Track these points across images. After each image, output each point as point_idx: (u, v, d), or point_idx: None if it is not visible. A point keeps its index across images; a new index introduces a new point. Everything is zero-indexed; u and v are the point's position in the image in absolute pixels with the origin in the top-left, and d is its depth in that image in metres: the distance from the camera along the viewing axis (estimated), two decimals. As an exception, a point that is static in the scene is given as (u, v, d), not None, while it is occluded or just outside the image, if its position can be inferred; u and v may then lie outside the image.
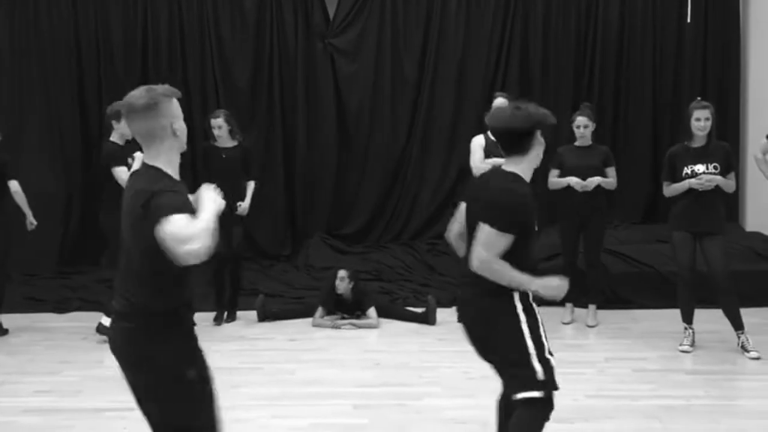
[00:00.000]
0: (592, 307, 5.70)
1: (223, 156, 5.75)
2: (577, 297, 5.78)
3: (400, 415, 3.85)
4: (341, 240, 7.64)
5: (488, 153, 5.67)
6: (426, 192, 7.73)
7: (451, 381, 4.38)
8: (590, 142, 5.63)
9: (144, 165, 2.40)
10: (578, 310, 5.78)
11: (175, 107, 2.40)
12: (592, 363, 4.69)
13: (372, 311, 5.69)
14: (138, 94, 2.36)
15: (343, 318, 5.70)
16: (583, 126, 5.56)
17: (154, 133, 2.35)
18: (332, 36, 7.62)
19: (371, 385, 4.31)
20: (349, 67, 7.65)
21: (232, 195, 5.67)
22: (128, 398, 4.13)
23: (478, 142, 5.77)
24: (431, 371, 4.58)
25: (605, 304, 5.95)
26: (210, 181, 5.73)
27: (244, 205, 5.79)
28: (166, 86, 2.43)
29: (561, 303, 5.79)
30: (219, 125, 5.71)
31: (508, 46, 7.54)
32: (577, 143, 5.66)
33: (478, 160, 5.69)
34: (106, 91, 7.50)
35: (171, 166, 2.39)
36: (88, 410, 3.93)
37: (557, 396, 4.02)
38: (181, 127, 2.41)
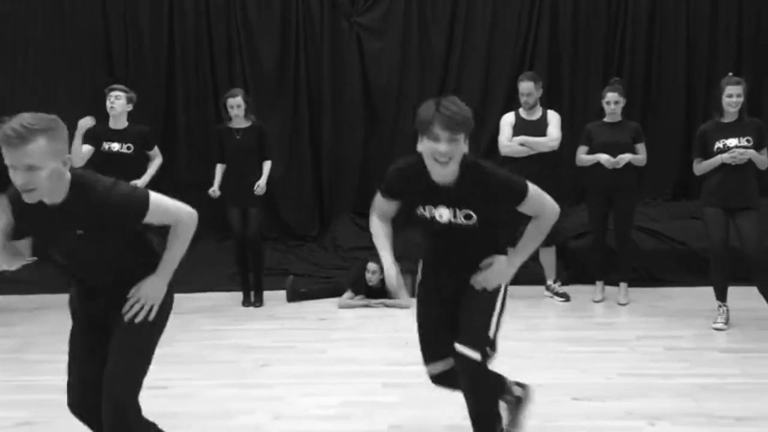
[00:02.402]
0: (623, 285, 5.64)
1: (237, 137, 5.75)
2: (608, 275, 5.73)
3: (429, 393, 3.82)
4: (369, 219, 7.64)
5: (518, 131, 5.62)
6: (454, 170, 7.68)
7: (480, 359, 4.38)
8: (620, 118, 5.55)
9: None
10: (609, 288, 5.73)
11: None
12: (624, 341, 4.65)
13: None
14: None
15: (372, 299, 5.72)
16: (613, 102, 5.48)
17: None
18: (358, 14, 7.58)
19: (400, 363, 4.31)
20: (376, 45, 7.60)
21: (247, 175, 5.69)
22: (162, 375, 4.23)
23: (507, 120, 5.72)
24: (461, 350, 4.57)
25: (636, 281, 5.89)
26: (224, 162, 5.81)
27: (261, 184, 5.73)
28: (6, 127, 2.24)
29: (591, 281, 5.79)
30: (238, 104, 5.69)
31: (537, 20, 7.41)
32: (606, 119, 5.57)
33: (506, 139, 5.65)
34: (133, 73, 7.58)
35: None
36: (123, 388, 3.99)
37: (589, 374, 4.04)
38: None
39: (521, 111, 5.71)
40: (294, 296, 5.93)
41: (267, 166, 5.81)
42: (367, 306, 5.66)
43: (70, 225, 2.36)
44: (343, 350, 4.64)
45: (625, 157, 5.37)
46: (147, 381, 3.99)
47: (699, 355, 4.36)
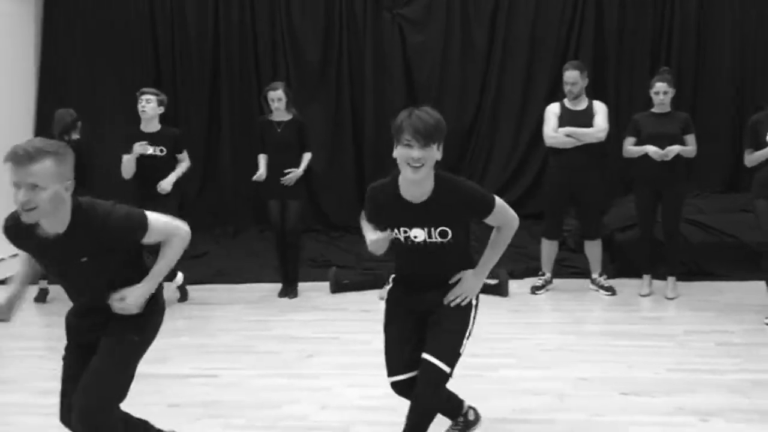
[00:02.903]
0: (671, 278, 5.54)
1: (278, 130, 5.76)
2: (656, 268, 5.64)
3: (476, 385, 3.84)
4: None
5: (564, 121, 5.54)
6: (496, 162, 7.63)
7: (525, 353, 4.36)
8: (669, 109, 5.44)
9: None
10: (656, 282, 5.63)
11: None
12: (672, 336, 4.56)
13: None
14: None
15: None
16: (662, 92, 5.36)
17: None
18: (400, 7, 7.56)
19: (445, 355, 4.31)
20: (418, 37, 7.57)
21: (287, 168, 5.72)
22: (211, 365, 4.30)
23: (552, 111, 5.65)
24: (505, 343, 4.55)
25: (685, 275, 5.77)
26: (265, 153, 5.83)
27: (296, 171, 5.68)
28: (15, 146, 2.37)
29: (638, 274, 5.70)
30: (279, 97, 5.68)
31: (582, 10, 7.29)
32: (654, 110, 5.47)
33: (551, 129, 5.58)
34: (180, 70, 7.71)
35: None
36: (174, 376, 4.09)
37: (637, 368, 3.98)
38: None
39: (566, 101, 5.63)
40: (337, 288, 5.96)
41: (306, 157, 5.81)
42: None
43: (75, 254, 2.45)
44: (387, 342, 4.63)
45: (674, 149, 5.26)
46: (197, 369, 4.14)
47: (751, 350, 4.26)
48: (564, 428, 3.30)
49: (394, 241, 2.76)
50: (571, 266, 6.31)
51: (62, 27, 7.82)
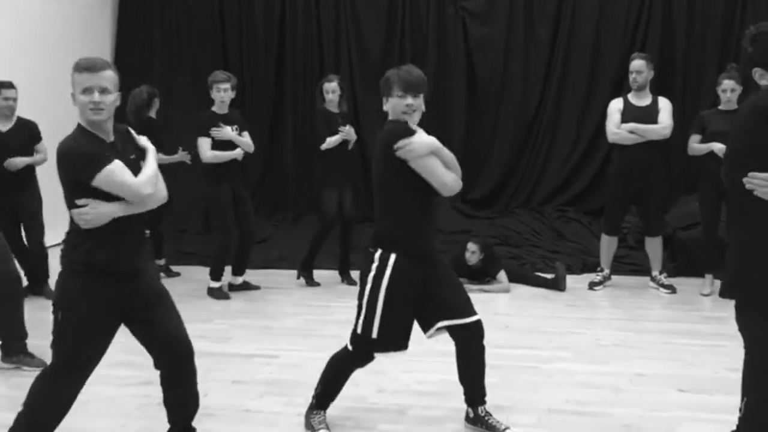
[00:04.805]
0: (733, 278, 5.44)
1: (339, 121, 5.85)
2: (718, 268, 5.54)
3: (531, 377, 3.89)
4: (469, 205, 7.68)
5: (627, 117, 5.49)
6: (557, 158, 7.59)
7: (581, 347, 4.37)
8: (736, 106, 5.33)
9: None
10: (718, 282, 5.51)
11: (75, 80, 2.60)
12: (734, 336, 4.41)
13: (502, 275, 5.72)
14: None
15: (472, 284, 5.77)
16: (730, 90, 5.27)
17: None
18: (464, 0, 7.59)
19: (501, 347, 4.35)
20: (481, 31, 7.59)
21: (344, 157, 5.82)
22: (273, 346, 4.45)
23: (615, 106, 5.60)
24: (561, 336, 4.58)
25: (748, 276, 5.65)
26: (319, 143, 5.86)
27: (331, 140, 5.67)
28: (84, 59, 2.64)
29: (699, 274, 5.62)
30: (334, 89, 5.74)
31: (650, 3, 7.18)
32: (721, 107, 5.38)
33: (614, 125, 5.54)
34: (246, 63, 7.93)
35: (90, 126, 2.64)
36: (238, 355, 4.26)
37: (696, 366, 3.96)
38: (78, 99, 2.60)
39: (630, 96, 5.58)
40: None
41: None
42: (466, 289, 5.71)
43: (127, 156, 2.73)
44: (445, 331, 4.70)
45: (741, 147, 5.16)
46: (259, 350, 4.30)
47: (816, 354, 4.16)
48: (619, 422, 3.32)
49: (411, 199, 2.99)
50: (630, 263, 6.26)
51: (135, 21, 8.14)
